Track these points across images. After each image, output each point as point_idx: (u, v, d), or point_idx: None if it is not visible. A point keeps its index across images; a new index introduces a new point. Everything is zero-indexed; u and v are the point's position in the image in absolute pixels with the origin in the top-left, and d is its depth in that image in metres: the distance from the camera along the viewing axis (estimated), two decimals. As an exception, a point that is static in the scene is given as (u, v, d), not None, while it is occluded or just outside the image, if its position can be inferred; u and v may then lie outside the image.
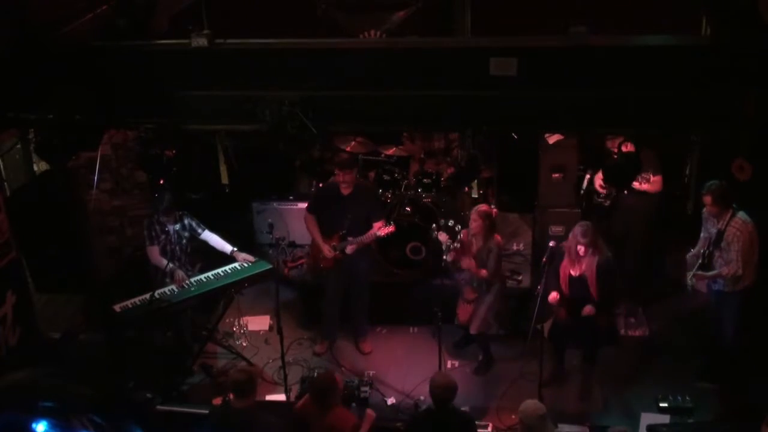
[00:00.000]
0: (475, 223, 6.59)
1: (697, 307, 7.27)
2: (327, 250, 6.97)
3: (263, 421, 5.07)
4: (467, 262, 6.60)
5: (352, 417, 5.27)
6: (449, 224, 6.92)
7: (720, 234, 6.20)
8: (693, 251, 6.51)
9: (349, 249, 6.93)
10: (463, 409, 6.02)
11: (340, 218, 6.95)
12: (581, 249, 6.09)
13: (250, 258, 7.04)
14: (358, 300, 7.34)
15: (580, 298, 6.25)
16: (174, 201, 6.79)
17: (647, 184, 7.18)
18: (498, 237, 6.73)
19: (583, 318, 6.26)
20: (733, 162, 6.62)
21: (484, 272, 6.59)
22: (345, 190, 6.87)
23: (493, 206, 8.22)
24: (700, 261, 6.36)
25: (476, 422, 6.03)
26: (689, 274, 6.40)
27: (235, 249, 7.02)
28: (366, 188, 7.12)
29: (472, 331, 6.85)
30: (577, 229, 6.15)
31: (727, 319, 6.40)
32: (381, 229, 6.92)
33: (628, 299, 7.60)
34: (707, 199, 6.20)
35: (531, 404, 4.99)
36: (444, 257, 6.79)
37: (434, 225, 7.28)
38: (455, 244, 6.65)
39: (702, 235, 6.48)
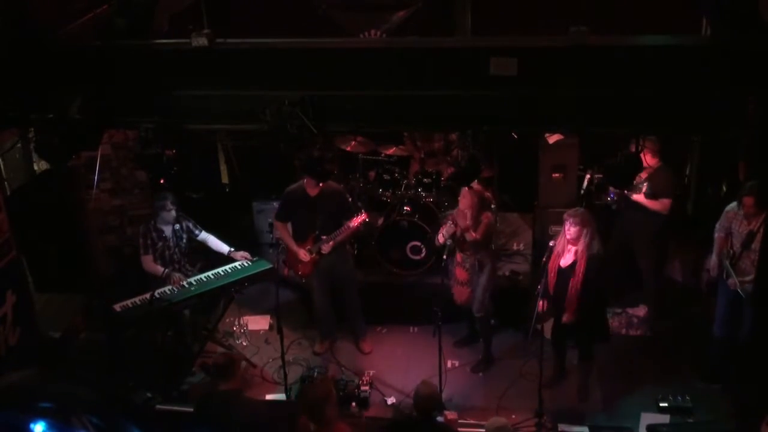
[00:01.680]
0: (464, 199, 6.62)
1: (697, 307, 7.27)
2: (303, 255, 6.95)
3: (244, 402, 5.07)
4: (456, 226, 6.62)
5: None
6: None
7: (752, 235, 6.10)
8: (713, 258, 6.39)
9: (324, 248, 6.91)
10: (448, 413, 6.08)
11: (310, 220, 6.92)
12: (567, 225, 6.06)
13: (248, 255, 7.04)
14: (348, 301, 7.33)
15: (565, 290, 6.19)
16: (176, 200, 6.80)
17: (657, 203, 6.99)
18: (489, 214, 6.72)
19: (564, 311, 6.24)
20: (739, 163, 6.62)
21: (473, 234, 6.55)
22: (311, 191, 6.83)
23: (493, 206, 8.24)
24: (728, 263, 6.25)
25: (476, 422, 6.06)
26: (736, 280, 6.20)
27: (232, 249, 7.02)
28: (333, 189, 7.04)
29: (474, 312, 6.86)
30: (568, 212, 6.17)
31: (749, 317, 6.37)
32: (353, 220, 6.87)
33: (657, 302, 7.59)
34: (750, 200, 6.04)
35: (493, 419, 5.03)
36: (439, 237, 6.81)
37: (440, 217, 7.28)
38: (447, 223, 6.67)
39: (718, 234, 6.39)
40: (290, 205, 7.04)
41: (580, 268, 6.10)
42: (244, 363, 7.05)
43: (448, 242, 6.67)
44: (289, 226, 7.18)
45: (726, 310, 6.48)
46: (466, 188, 6.65)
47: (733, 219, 6.30)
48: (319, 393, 4.75)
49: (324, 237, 6.90)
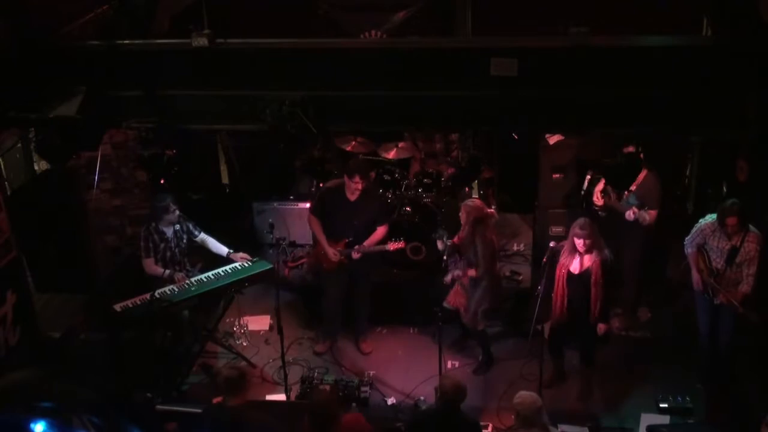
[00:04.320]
0: (462, 215, 6.62)
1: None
2: (332, 254, 6.94)
3: (255, 419, 5.07)
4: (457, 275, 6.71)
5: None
6: (445, 237, 6.95)
7: (735, 250, 6.09)
8: (694, 275, 6.35)
9: (354, 255, 6.92)
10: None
11: (346, 224, 6.91)
12: (580, 243, 6.04)
13: (248, 257, 7.04)
14: (360, 301, 7.33)
15: (578, 296, 6.21)
16: (176, 206, 6.81)
17: (643, 218, 6.91)
18: (491, 235, 6.68)
19: (581, 318, 6.24)
20: (737, 163, 6.60)
21: (472, 272, 6.59)
22: (352, 196, 6.83)
23: (493, 207, 8.25)
24: (712, 279, 6.23)
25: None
26: (726, 295, 6.14)
27: (231, 251, 7.03)
28: (372, 193, 7.07)
29: (464, 320, 6.88)
30: (576, 224, 6.12)
31: (726, 327, 6.38)
32: (391, 244, 6.92)
33: (629, 300, 7.60)
34: (733, 221, 5.98)
35: (527, 395, 4.98)
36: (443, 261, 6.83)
37: (433, 234, 7.26)
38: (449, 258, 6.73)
39: (690, 250, 6.37)
40: (327, 204, 7.01)
41: (598, 273, 6.09)
42: (251, 370, 7.05)
43: (448, 242, 6.67)
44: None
45: (708, 321, 6.50)
46: (463, 204, 6.64)
47: (710, 235, 6.25)
48: (325, 401, 5.10)
49: (357, 246, 6.90)
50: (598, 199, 7.18)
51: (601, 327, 6.24)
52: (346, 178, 6.79)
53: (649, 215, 6.89)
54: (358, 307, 7.37)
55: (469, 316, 6.81)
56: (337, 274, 7.12)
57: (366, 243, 6.93)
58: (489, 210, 6.83)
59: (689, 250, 6.41)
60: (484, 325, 6.87)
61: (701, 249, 6.32)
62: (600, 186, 7.15)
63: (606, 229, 7.24)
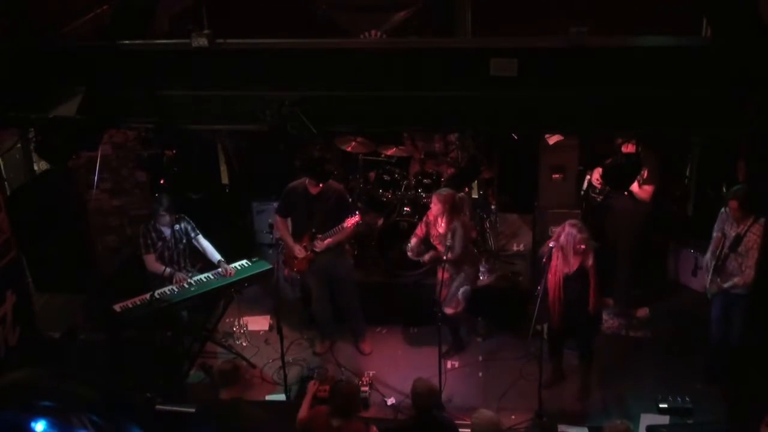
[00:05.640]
0: (434, 206, 6.66)
1: (697, 308, 7.27)
2: (298, 251, 6.98)
3: (247, 413, 5.07)
4: (429, 255, 6.83)
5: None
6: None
7: (738, 238, 6.14)
8: (708, 255, 6.44)
9: (318, 246, 6.92)
10: (450, 412, 6.04)
11: (309, 218, 6.96)
12: (582, 247, 6.04)
13: (231, 271, 7.03)
14: (346, 302, 7.33)
15: (577, 296, 6.18)
16: (172, 204, 6.81)
17: (640, 190, 7.01)
18: (464, 218, 6.71)
19: (578, 316, 6.23)
20: (738, 163, 6.62)
21: (450, 256, 6.59)
22: (313, 190, 6.87)
23: (493, 207, 8.24)
24: (713, 263, 6.30)
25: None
26: (716, 282, 6.28)
27: (222, 260, 7.04)
28: (333, 188, 7.09)
29: (446, 311, 6.85)
30: (574, 228, 6.08)
31: (739, 319, 6.38)
32: (347, 221, 6.92)
33: (626, 300, 7.60)
34: (734, 204, 6.11)
35: (479, 412, 5.00)
36: (406, 246, 6.94)
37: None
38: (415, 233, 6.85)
39: (715, 234, 6.43)
40: (290, 201, 7.08)
41: (594, 264, 6.10)
42: (244, 363, 7.06)
43: (449, 242, 6.66)
44: (290, 222, 7.20)
45: (720, 312, 6.51)
46: (435, 195, 6.66)
47: (726, 220, 6.34)
48: (351, 390, 5.16)
49: (320, 235, 6.91)
50: (597, 181, 7.26)
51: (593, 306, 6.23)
52: None
53: (644, 191, 6.98)
54: (347, 310, 7.37)
55: (452, 304, 6.81)
56: (314, 275, 7.14)
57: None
58: (460, 195, 6.97)
59: (715, 234, 6.46)
60: (456, 308, 6.85)
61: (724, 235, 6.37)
62: (599, 169, 7.19)
63: (602, 214, 7.29)
